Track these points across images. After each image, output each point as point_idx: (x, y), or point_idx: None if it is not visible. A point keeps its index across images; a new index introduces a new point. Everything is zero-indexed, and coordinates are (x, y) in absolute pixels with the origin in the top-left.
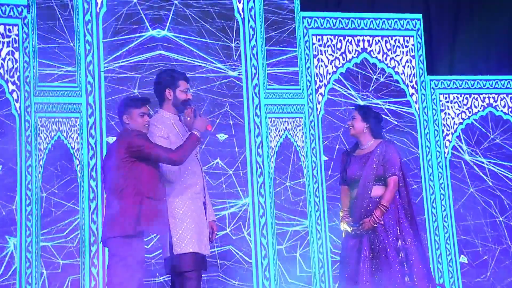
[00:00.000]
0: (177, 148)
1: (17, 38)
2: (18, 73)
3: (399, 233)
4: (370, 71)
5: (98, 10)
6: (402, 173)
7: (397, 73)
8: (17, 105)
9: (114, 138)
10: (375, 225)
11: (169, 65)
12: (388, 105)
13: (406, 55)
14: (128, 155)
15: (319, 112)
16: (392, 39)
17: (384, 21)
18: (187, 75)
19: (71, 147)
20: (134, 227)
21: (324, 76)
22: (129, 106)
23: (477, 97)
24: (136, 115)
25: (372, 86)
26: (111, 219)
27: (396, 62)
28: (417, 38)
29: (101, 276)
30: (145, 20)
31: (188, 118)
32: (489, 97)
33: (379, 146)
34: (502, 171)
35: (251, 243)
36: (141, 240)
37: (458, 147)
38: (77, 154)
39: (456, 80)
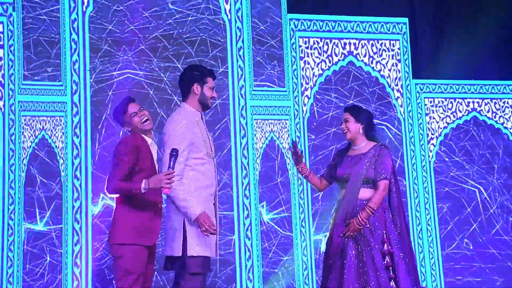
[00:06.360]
0: (118, 182)
1: (1, 35)
2: (2, 71)
3: (385, 236)
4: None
5: (84, 9)
6: (394, 179)
7: (382, 76)
8: (1, 103)
9: None
10: (360, 227)
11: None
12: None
13: (392, 58)
14: None
15: (305, 114)
16: (378, 43)
17: (370, 25)
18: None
19: (55, 146)
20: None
21: (310, 78)
22: (123, 113)
23: (461, 102)
24: (129, 118)
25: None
26: None
27: (382, 66)
28: (403, 42)
29: (83, 276)
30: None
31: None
32: (473, 102)
33: (373, 149)
34: None
35: (236, 245)
36: (131, 248)
37: None
38: (61, 154)
39: (441, 84)
